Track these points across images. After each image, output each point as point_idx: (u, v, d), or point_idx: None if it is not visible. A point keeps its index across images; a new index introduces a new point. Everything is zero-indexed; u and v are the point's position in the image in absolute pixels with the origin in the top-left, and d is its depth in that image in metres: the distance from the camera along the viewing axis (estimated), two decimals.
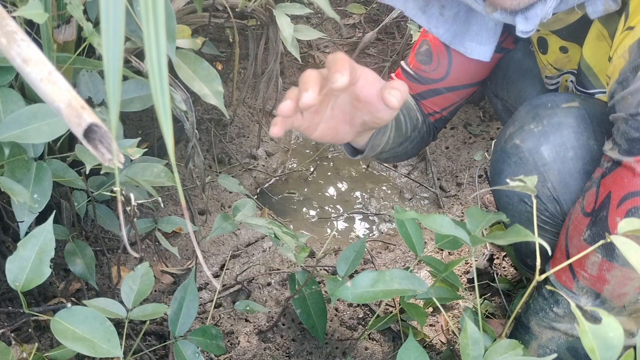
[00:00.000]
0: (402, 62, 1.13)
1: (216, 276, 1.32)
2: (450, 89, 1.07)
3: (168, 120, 0.34)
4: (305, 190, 1.67)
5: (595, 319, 0.64)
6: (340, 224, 1.56)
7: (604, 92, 0.86)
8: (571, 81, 0.94)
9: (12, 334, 0.82)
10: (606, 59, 0.80)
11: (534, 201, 0.75)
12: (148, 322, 1.04)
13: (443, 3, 0.93)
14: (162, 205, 1.36)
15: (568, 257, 0.81)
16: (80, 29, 0.92)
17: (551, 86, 1.00)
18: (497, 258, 1.34)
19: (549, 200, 0.86)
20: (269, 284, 1.30)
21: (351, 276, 1.19)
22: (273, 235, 0.99)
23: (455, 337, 1.13)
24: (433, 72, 1.06)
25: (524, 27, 0.76)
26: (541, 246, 0.68)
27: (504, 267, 1.32)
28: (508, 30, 0.97)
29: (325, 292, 1.25)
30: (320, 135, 0.76)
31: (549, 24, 0.86)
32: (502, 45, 1.01)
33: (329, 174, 1.73)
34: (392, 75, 1.16)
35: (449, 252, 1.40)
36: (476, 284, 0.80)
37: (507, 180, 0.74)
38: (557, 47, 0.91)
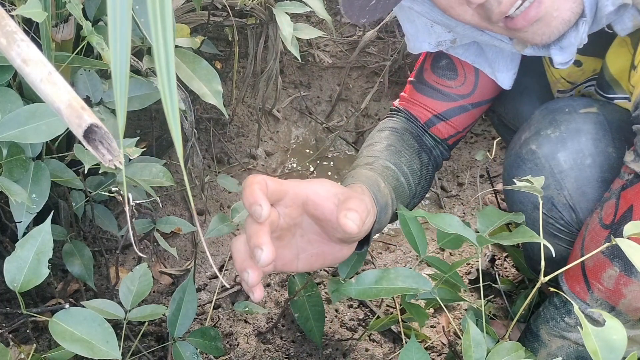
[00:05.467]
0: (414, 80, 1.03)
1: (215, 277, 1.31)
2: (475, 105, 1.00)
3: (176, 120, 0.33)
4: None
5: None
6: None
7: (624, 98, 0.85)
8: (590, 86, 0.92)
9: (10, 335, 0.82)
10: (627, 64, 0.78)
11: (540, 202, 0.73)
12: (146, 323, 1.03)
13: (455, 37, 0.90)
14: (160, 205, 1.35)
15: (583, 269, 0.79)
16: (78, 27, 0.91)
17: None
18: (499, 259, 1.33)
19: (564, 208, 0.84)
20: (268, 285, 1.29)
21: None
22: None
23: (456, 338, 1.13)
24: (460, 88, 0.98)
25: (561, 58, 0.74)
26: (553, 258, 0.67)
27: (505, 268, 1.32)
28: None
29: (325, 293, 1.24)
30: (307, 265, 0.68)
31: None
32: None
33: (329, 173, 1.73)
34: (404, 94, 1.06)
35: (450, 253, 1.39)
36: (481, 284, 0.79)
37: (514, 180, 0.73)
38: None
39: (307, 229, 0.66)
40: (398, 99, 1.06)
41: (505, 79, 0.94)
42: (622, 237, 0.73)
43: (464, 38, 0.90)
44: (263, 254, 0.55)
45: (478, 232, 0.81)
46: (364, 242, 0.81)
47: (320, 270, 1.33)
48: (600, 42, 0.81)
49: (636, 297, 0.74)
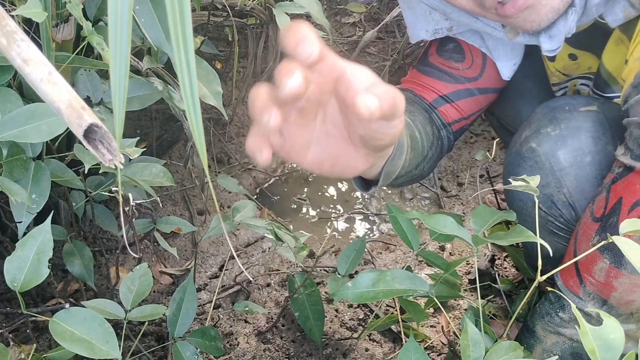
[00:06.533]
0: (419, 63, 1.01)
1: (215, 277, 1.32)
2: (482, 91, 0.98)
3: (199, 125, 0.33)
4: (305, 190, 1.67)
5: (601, 325, 0.63)
6: (341, 224, 1.55)
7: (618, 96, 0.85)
8: (584, 84, 0.92)
9: (11, 335, 0.82)
10: (624, 62, 0.79)
11: (536, 201, 0.74)
12: (147, 323, 1.03)
13: (452, 25, 0.91)
14: (160, 205, 1.35)
15: (576, 262, 0.80)
16: (78, 27, 0.91)
17: (558, 92, 0.98)
18: (499, 259, 1.33)
19: (564, 206, 0.85)
20: (268, 285, 1.29)
21: (351, 275, 1.19)
22: (274, 235, 0.98)
23: (456, 338, 1.13)
24: (468, 70, 0.96)
25: (549, 46, 0.75)
26: (553, 256, 0.67)
27: (505, 268, 1.32)
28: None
29: (325, 292, 1.25)
30: (315, 160, 0.57)
31: None
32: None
33: None
34: (407, 78, 1.04)
35: (450, 253, 1.40)
36: (478, 285, 0.79)
37: (510, 180, 0.73)
38: (566, 54, 0.89)
39: (330, 115, 0.56)
40: (400, 84, 1.03)
41: (505, 69, 0.93)
42: (612, 229, 0.73)
43: (460, 26, 0.90)
44: (292, 79, 0.46)
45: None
46: (373, 183, 0.72)
47: (320, 270, 1.33)
48: (595, 36, 0.82)
49: (626, 289, 0.75)
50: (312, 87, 0.51)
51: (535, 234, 0.72)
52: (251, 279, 1.25)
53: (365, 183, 0.72)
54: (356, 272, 1.27)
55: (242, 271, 1.31)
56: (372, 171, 0.67)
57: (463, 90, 0.96)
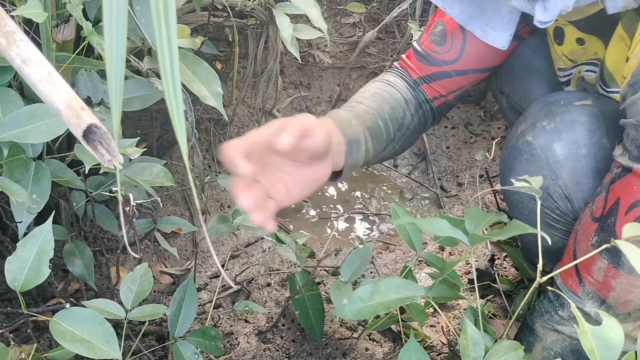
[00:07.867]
0: (415, 43, 1.09)
1: (215, 276, 1.32)
2: (460, 73, 1.04)
3: (181, 122, 0.33)
4: None
5: (599, 324, 0.63)
6: (341, 224, 1.56)
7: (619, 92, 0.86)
8: (590, 70, 0.93)
9: (11, 335, 0.82)
10: (623, 59, 0.80)
11: (538, 202, 0.74)
12: (147, 323, 1.04)
13: None
14: (161, 205, 1.35)
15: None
16: (79, 28, 0.91)
17: (563, 78, 0.99)
18: (498, 258, 1.33)
19: (560, 198, 0.86)
20: (268, 285, 1.29)
21: (356, 282, 1.19)
22: (274, 238, 0.99)
23: (456, 337, 1.13)
24: (445, 54, 1.03)
25: (543, 17, 0.75)
26: (550, 248, 0.68)
27: (504, 268, 1.32)
28: (526, 19, 0.95)
29: (325, 292, 1.25)
30: (298, 192, 0.78)
31: (567, 14, 0.86)
32: (519, 33, 1.00)
33: None
34: (403, 56, 1.12)
35: (450, 253, 1.40)
36: (476, 285, 0.79)
37: (512, 180, 0.74)
38: (573, 38, 0.90)
39: (279, 163, 0.76)
40: (398, 61, 1.13)
41: (500, 38, 0.94)
42: (610, 229, 0.74)
43: None
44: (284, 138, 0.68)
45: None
46: (339, 173, 0.86)
47: (320, 270, 1.33)
48: (604, 21, 0.82)
49: (624, 289, 0.76)
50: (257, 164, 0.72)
51: (533, 227, 0.73)
52: (233, 285, 1.25)
53: (334, 175, 0.86)
54: (362, 276, 1.27)
55: (243, 271, 1.31)
56: (338, 167, 0.84)
57: (439, 73, 1.05)
